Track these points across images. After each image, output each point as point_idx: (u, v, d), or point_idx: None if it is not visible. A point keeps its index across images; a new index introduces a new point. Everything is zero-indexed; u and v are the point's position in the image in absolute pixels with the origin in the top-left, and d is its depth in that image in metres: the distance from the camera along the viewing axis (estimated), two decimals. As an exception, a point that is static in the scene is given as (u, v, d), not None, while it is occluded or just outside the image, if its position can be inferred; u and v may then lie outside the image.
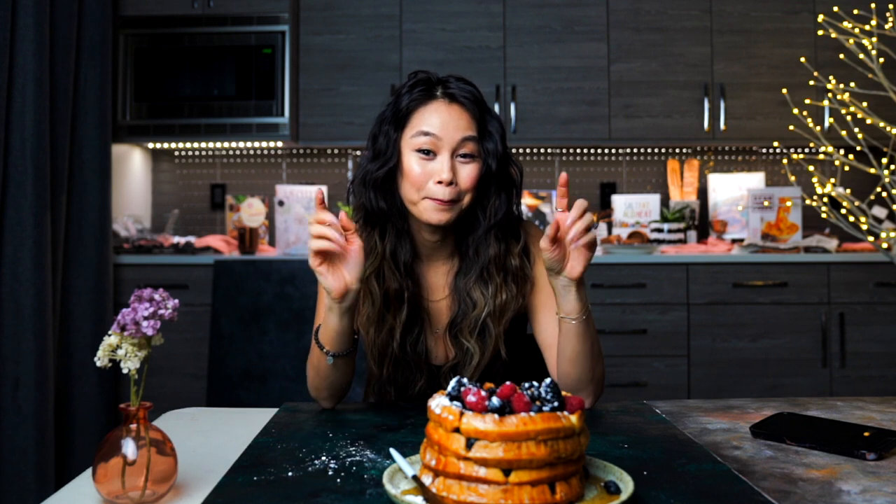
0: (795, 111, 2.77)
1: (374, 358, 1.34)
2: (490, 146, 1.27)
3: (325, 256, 1.11)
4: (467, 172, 1.25)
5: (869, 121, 2.42)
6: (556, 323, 1.24)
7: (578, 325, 1.17)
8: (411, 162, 1.25)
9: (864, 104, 2.46)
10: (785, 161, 3.42)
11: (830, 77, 2.68)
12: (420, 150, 1.24)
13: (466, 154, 1.25)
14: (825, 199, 2.45)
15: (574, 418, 0.78)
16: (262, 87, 3.18)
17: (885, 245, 2.34)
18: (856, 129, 2.52)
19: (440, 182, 1.23)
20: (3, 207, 2.48)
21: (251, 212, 3.37)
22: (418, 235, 1.33)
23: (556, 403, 0.79)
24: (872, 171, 2.33)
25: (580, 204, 1.11)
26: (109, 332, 0.89)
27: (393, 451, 0.88)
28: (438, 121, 1.24)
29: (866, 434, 1.05)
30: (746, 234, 3.25)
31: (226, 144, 3.49)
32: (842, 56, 2.81)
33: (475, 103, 1.27)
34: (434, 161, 1.24)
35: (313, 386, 1.24)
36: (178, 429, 1.18)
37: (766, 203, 3.14)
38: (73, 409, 2.78)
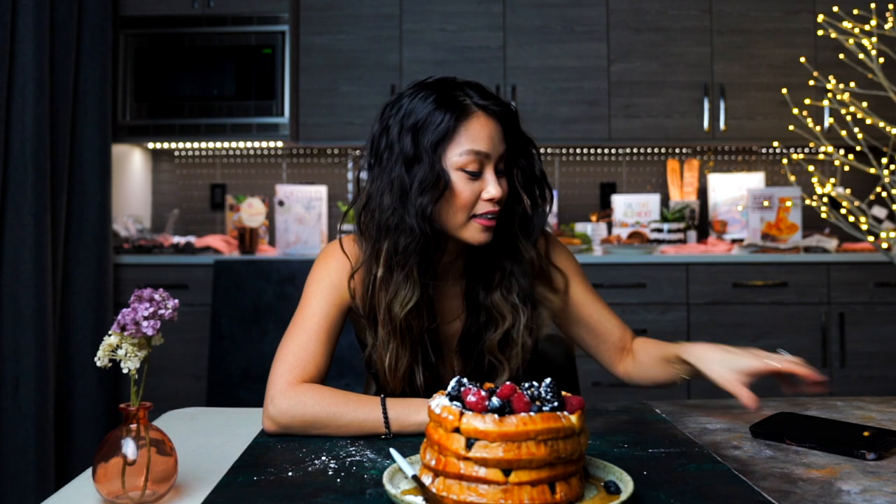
0: (795, 111, 2.77)
1: (395, 386, 1.22)
2: (526, 159, 1.21)
3: None
4: (505, 186, 1.18)
5: (869, 121, 2.42)
6: (599, 311, 1.33)
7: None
8: (460, 183, 1.14)
9: (864, 104, 2.46)
10: (785, 161, 3.42)
11: (830, 77, 2.68)
12: (465, 170, 1.14)
13: (503, 168, 1.18)
14: (825, 199, 2.45)
15: (574, 418, 0.78)
16: (262, 87, 3.18)
17: (885, 245, 2.34)
18: (856, 129, 2.52)
19: (491, 199, 1.15)
20: (3, 207, 2.48)
21: (251, 212, 3.37)
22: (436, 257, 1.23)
23: (555, 403, 0.79)
24: (872, 171, 2.34)
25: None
26: (109, 332, 0.89)
27: (393, 451, 0.88)
28: (486, 136, 1.14)
29: (866, 434, 1.05)
30: (746, 234, 3.25)
31: (226, 144, 3.49)
32: (842, 56, 2.81)
33: (508, 114, 1.19)
34: (479, 179, 1.15)
35: (304, 426, 1.08)
36: (178, 429, 1.18)
37: (765, 203, 3.14)
38: (73, 409, 2.78)
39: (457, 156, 1.14)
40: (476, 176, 1.15)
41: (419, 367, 1.21)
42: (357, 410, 1.08)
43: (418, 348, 1.21)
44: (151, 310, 0.88)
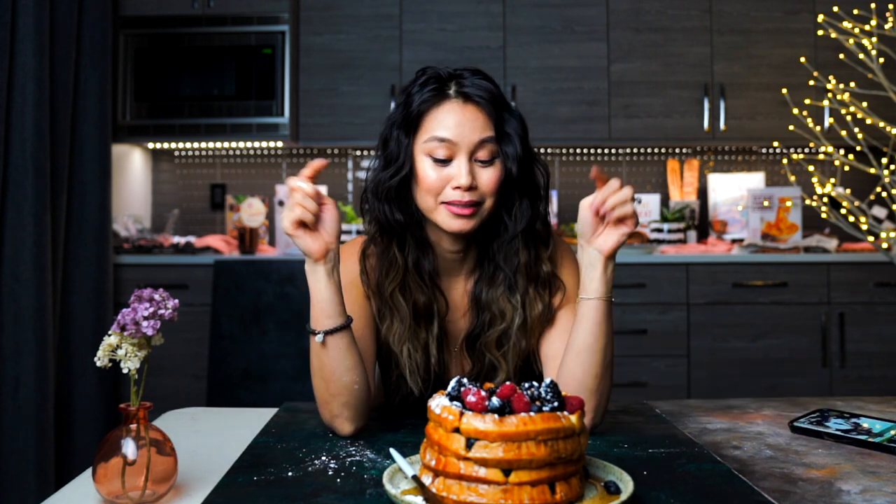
0: (795, 111, 2.77)
1: (415, 382, 1.22)
2: (510, 150, 1.18)
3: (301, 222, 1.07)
4: (488, 176, 1.17)
5: (869, 121, 2.42)
6: (565, 337, 1.17)
7: (597, 306, 1.09)
8: (426, 167, 1.17)
9: (864, 104, 2.46)
10: (785, 161, 3.42)
11: (830, 77, 2.68)
12: (434, 157, 1.17)
13: (485, 158, 1.17)
14: (825, 199, 2.44)
15: (574, 418, 0.78)
16: (262, 87, 3.18)
17: (884, 245, 2.34)
18: (856, 129, 2.52)
19: (458, 187, 1.15)
20: (3, 207, 2.48)
21: (251, 212, 3.37)
22: (438, 247, 1.25)
23: (556, 403, 0.79)
24: (872, 171, 2.33)
25: (616, 181, 1.10)
26: (109, 332, 0.89)
27: (393, 451, 0.88)
28: (453, 123, 1.16)
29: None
30: (746, 234, 3.25)
31: (226, 144, 3.49)
32: (842, 56, 2.81)
33: (492, 102, 1.19)
34: (450, 166, 1.16)
35: (322, 400, 1.09)
36: (178, 429, 1.18)
37: (765, 203, 3.14)
38: (73, 409, 2.78)
39: (423, 142, 1.18)
40: (445, 163, 1.17)
41: (419, 351, 1.22)
42: (313, 356, 1.09)
43: (433, 327, 1.23)
44: (151, 310, 0.88)
